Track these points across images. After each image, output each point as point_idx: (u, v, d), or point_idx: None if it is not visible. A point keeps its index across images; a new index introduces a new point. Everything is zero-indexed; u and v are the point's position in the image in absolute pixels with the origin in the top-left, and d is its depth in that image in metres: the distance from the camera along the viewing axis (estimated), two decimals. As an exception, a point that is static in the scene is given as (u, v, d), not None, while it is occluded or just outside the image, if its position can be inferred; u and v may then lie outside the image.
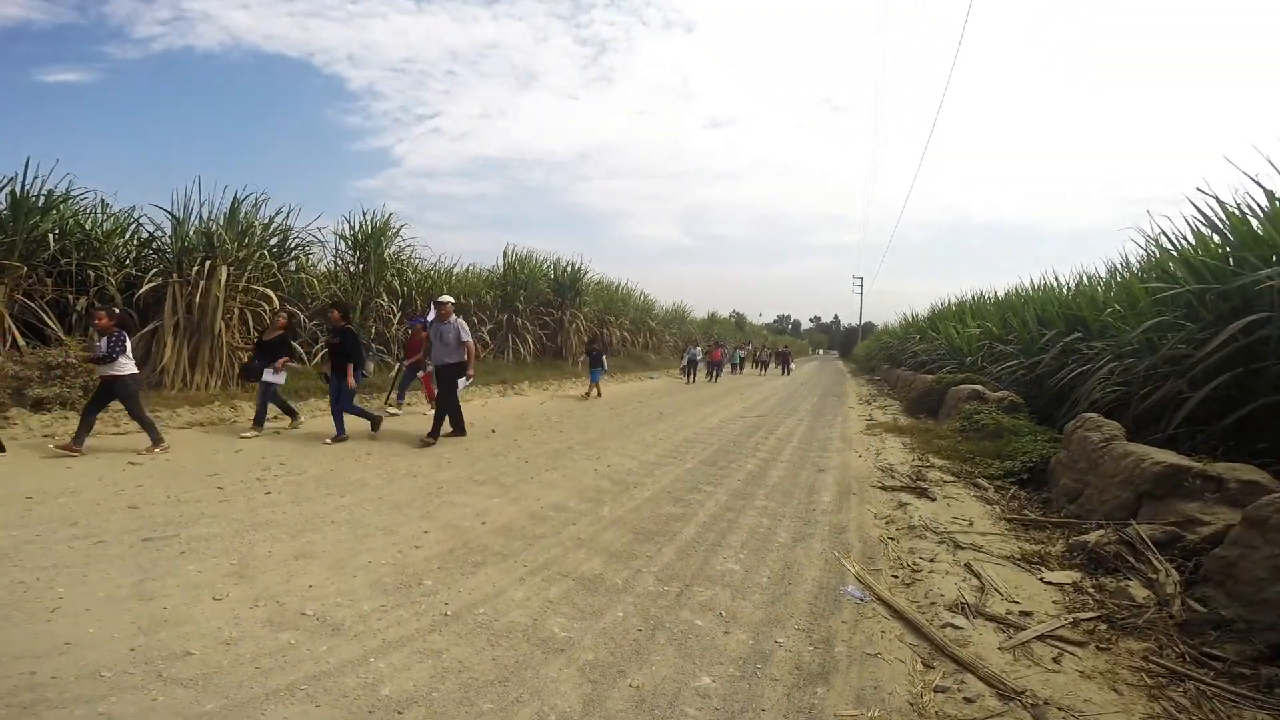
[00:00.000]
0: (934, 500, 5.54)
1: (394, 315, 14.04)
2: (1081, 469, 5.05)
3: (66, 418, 7.01)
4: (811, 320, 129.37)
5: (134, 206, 11.03)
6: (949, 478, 6.40)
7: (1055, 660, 2.71)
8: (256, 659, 2.44)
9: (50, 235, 9.04)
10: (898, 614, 3.19)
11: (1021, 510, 5.17)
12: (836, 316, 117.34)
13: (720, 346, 24.96)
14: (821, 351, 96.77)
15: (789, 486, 6.05)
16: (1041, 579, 3.64)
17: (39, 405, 7.13)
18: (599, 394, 14.22)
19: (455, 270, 17.29)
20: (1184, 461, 4.15)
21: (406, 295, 14.77)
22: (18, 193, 8.70)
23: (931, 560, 3.97)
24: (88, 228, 10.00)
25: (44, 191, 9.10)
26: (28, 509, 4.19)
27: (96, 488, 4.82)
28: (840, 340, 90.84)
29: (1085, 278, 10.87)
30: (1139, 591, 3.31)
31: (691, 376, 21.15)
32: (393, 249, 14.82)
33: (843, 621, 3.10)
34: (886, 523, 4.90)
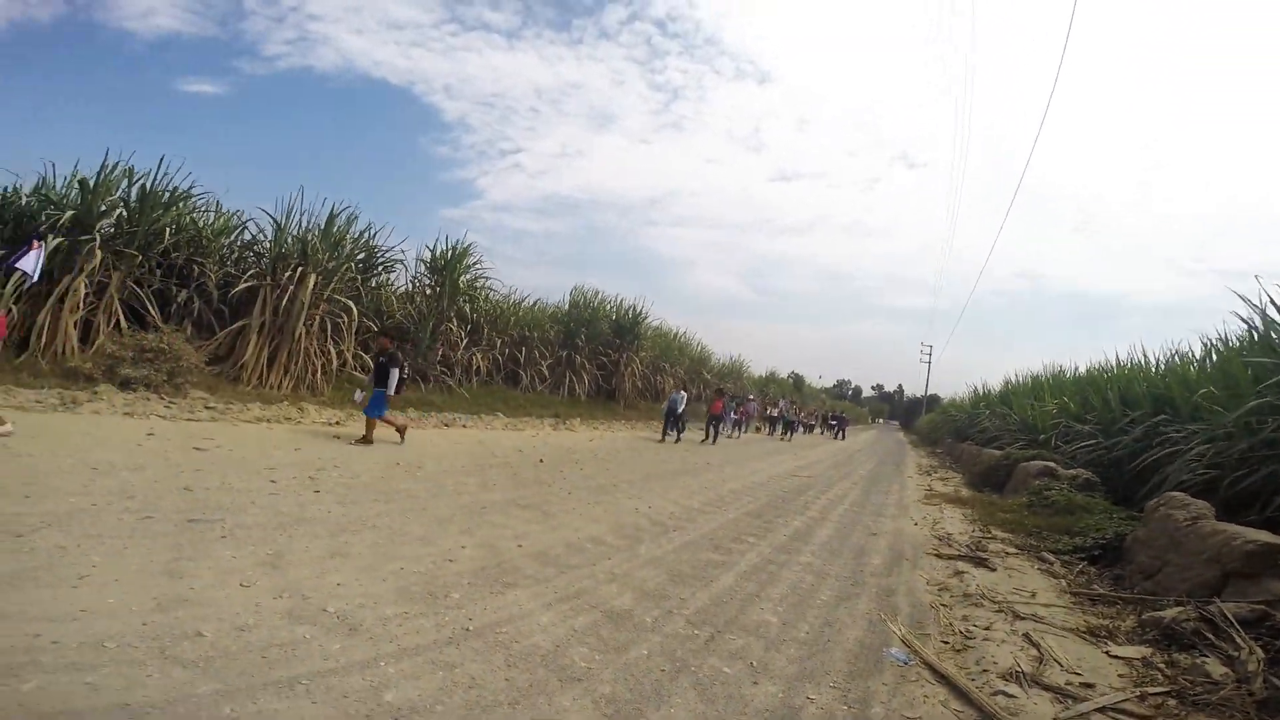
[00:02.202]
0: (994, 570, 5.22)
1: (461, 340, 14.42)
2: (1161, 546, 4.84)
3: (148, 399, 7.44)
4: (874, 388, 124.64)
5: (241, 210, 11.73)
6: (1012, 550, 6.02)
7: (1117, 733, 2.43)
8: (266, 649, 2.37)
9: (167, 230, 9.72)
10: (944, 679, 2.96)
11: (1090, 585, 4.89)
12: (900, 386, 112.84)
13: (723, 395, 17.80)
14: (881, 420, 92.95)
15: (837, 546, 5.79)
16: (1107, 652, 3.40)
17: (126, 384, 7.60)
18: (368, 439, 7.54)
19: (523, 303, 17.72)
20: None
21: (475, 322, 15.17)
22: (147, 188, 9.44)
23: (987, 628, 3.72)
24: (200, 225, 10.75)
25: (169, 188, 9.82)
26: (91, 479, 4.36)
27: (160, 467, 5.01)
28: (902, 411, 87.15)
29: (1176, 355, 10.23)
30: (1216, 668, 3.08)
31: (675, 434, 14.86)
32: (467, 277, 15.33)
33: (883, 683, 2.90)
34: (940, 589, 4.64)
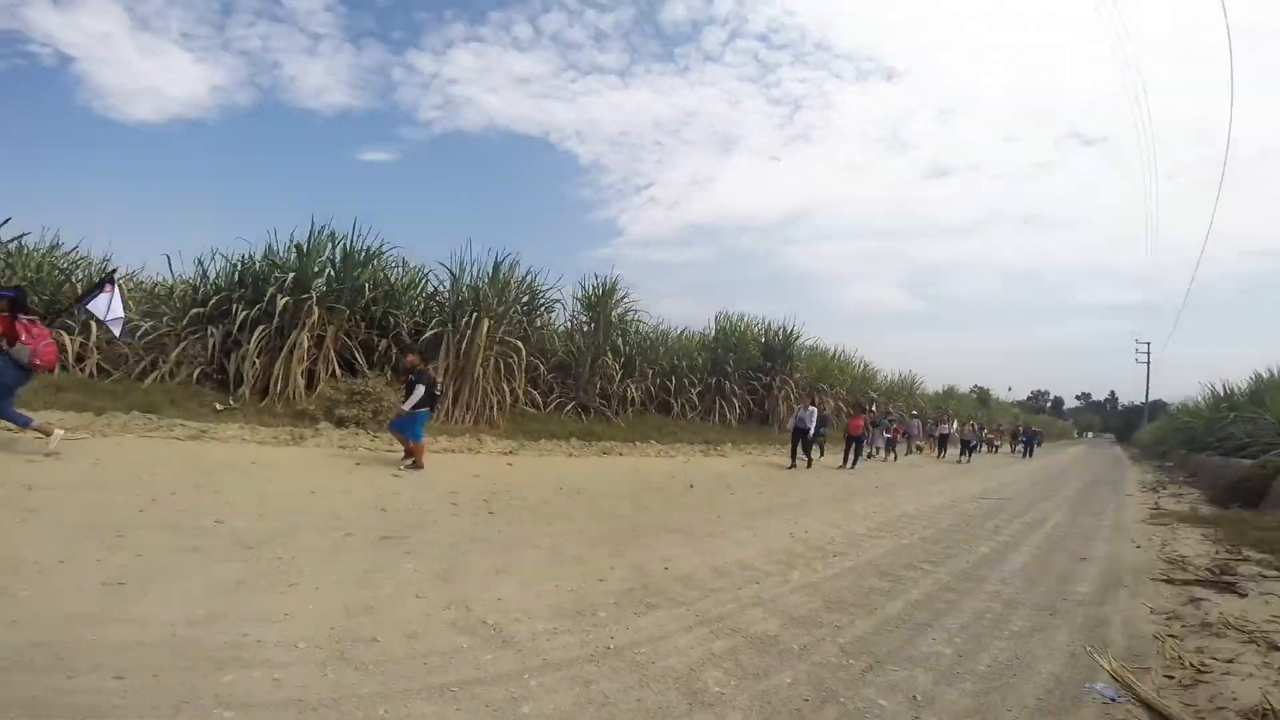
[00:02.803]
0: (1245, 596, 4.31)
1: (616, 372, 14.97)
2: None
3: (357, 434, 8.67)
4: (1078, 397, 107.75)
5: (423, 264, 13.07)
6: (1271, 573, 4.95)
7: None
8: (428, 656, 2.60)
9: (366, 285, 11.20)
10: (1163, 717, 2.48)
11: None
12: (1113, 393, 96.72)
13: (866, 412, 15.71)
14: (1090, 434, 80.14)
15: (1034, 573, 5.10)
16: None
17: (341, 422, 8.94)
18: (418, 463, 7.23)
19: (670, 334, 17.99)
20: None
21: (628, 355, 15.69)
22: (347, 248, 10.97)
23: (1230, 661, 3.07)
24: (392, 280, 12.23)
25: (364, 248, 11.31)
26: (310, 501, 5.16)
27: (363, 491, 5.78)
28: (1118, 422, 74.40)
29: None
30: None
31: (805, 457, 12.59)
32: (619, 311, 15.95)
33: None
34: (1168, 618, 3.92)
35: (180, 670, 2.27)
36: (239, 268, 10.59)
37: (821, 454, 14.07)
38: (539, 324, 14.24)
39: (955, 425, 23.63)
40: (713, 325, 19.07)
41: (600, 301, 15.23)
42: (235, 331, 9.37)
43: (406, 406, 7.23)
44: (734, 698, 2.48)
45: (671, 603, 3.62)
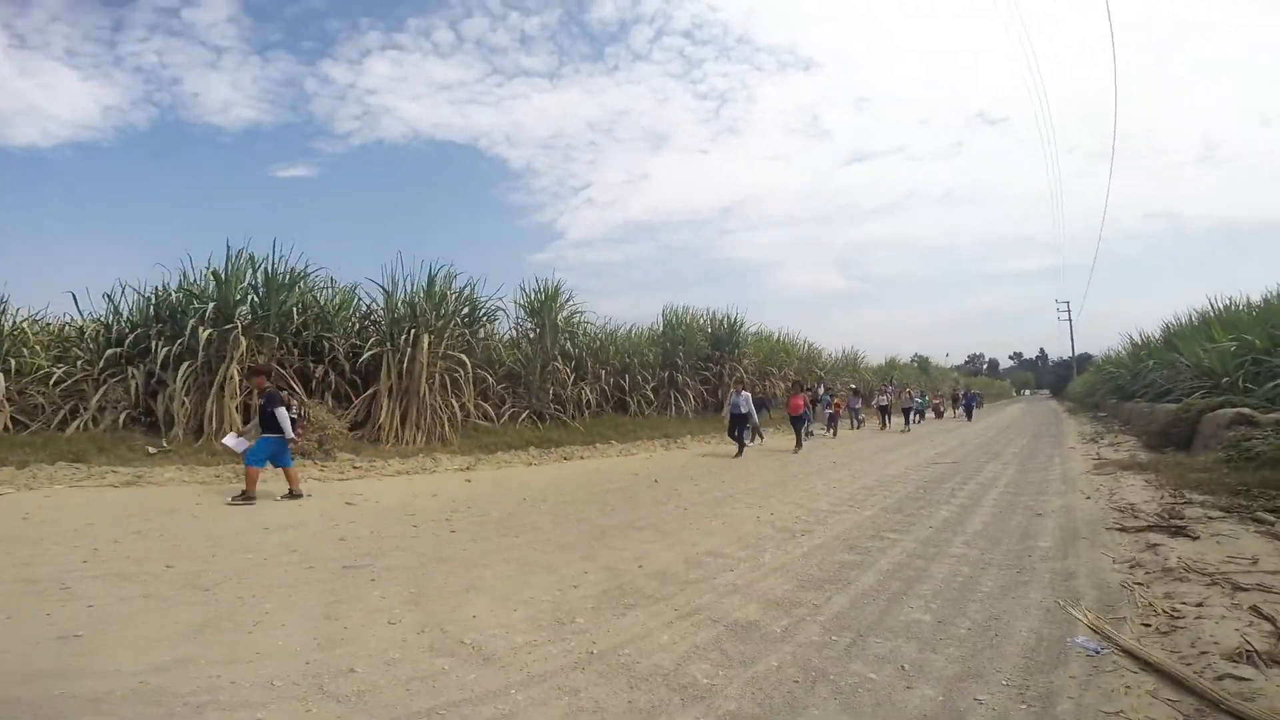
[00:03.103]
0: (1196, 539, 4.56)
1: (569, 376, 14.87)
2: None
3: (304, 465, 8.29)
4: (1012, 357, 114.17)
5: (354, 283, 12.67)
6: (1216, 514, 5.26)
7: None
8: (409, 682, 2.52)
9: (294, 310, 10.75)
10: (1150, 665, 2.56)
11: (1332, 545, 4.08)
12: (1042, 350, 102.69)
13: (806, 389, 15.48)
14: (1027, 392, 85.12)
15: (995, 533, 5.30)
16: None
17: (284, 455, 8.52)
18: (249, 495, 6.38)
19: (619, 332, 18.00)
20: None
21: (578, 358, 15.62)
22: (269, 271, 10.43)
23: (1199, 605, 3.22)
24: (322, 302, 11.78)
25: (288, 270, 10.83)
26: (263, 538, 4.92)
27: (318, 522, 5.56)
28: (1051, 378, 78.93)
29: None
30: None
31: (747, 441, 12.79)
32: (564, 314, 15.83)
33: (1069, 676, 2.55)
34: (1131, 567, 4.10)
35: (159, 718, 2.18)
36: (153, 301, 10.00)
37: (762, 438, 14.61)
38: (482, 335, 14.02)
39: (891, 388, 24.79)
40: (660, 320, 19.22)
41: (544, 306, 15.09)
42: (158, 370, 8.84)
43: (290, 434, 6.59)
44: (724, 688, 2.50)
45: (649, 600, 3.62)
